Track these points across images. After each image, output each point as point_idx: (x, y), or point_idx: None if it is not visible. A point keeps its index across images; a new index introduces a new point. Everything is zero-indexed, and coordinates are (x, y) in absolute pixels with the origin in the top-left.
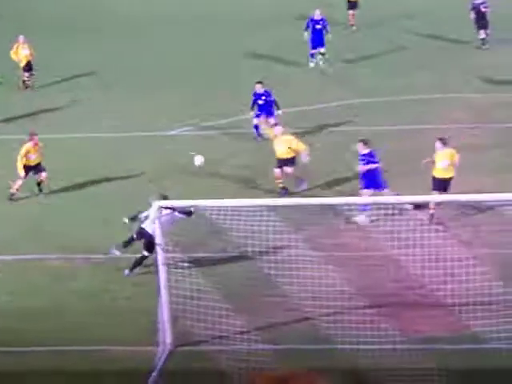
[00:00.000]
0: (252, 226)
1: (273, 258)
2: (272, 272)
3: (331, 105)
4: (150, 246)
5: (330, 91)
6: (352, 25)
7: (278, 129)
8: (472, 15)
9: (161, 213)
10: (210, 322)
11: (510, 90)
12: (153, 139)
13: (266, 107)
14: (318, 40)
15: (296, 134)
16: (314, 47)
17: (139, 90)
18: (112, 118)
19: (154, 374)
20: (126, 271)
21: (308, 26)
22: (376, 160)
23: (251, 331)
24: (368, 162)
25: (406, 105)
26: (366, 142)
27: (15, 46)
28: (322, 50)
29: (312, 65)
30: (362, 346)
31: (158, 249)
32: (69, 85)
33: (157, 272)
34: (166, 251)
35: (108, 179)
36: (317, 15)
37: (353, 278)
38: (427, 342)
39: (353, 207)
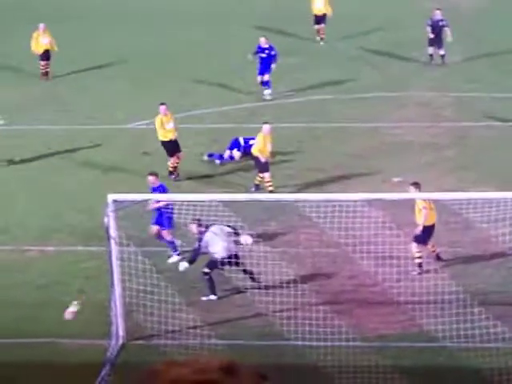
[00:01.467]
0: (207, 220)
1: (226, 252)
2: (225, 267)
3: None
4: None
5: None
6: (322, 38)
7: (266, 127)
8: (429, 31)
9: (111, 206)
10: (163, 317)
11: (461, 89)
12: (109, 131)
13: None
14: (264, 67)
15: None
16: (260, 74)
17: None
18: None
19: (107, 367)
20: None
21: (256, 52)
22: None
23: (204, 326)
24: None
25: (359, 102)
26: (155, 174)
27: (35, 35)
28: (267, 77)
29: (268, 96)
30: (314, 343)
31: (112, 242)
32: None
33: (110, 266)
34: (120, 245)
35: (63, 171)
36: (262, 42)
37: (306, 274)
38: (379, 340)
39: (307, 204)
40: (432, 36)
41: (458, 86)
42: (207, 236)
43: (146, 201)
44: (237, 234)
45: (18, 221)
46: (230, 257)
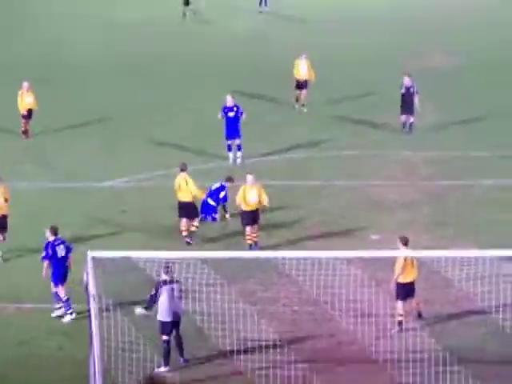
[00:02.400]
0: (186, 278)
1: (205, 310)
2: (204, 325)
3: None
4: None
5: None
6: (303, 105)
7: (249, 177)
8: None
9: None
10: (142, 375)
11: (435, 148)
12: (85, 190)
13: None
14: (232, 130)
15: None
16: (228, 138)
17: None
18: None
19: None
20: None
21: (222, 114)
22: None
23: None
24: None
25: (338, 161)
26: (54, 230)
27: (20, 93)
28: (238, 141)
29: (230, 160)
30: None
31: (91, 299)
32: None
33: (89, 322)
34: (99, 302)
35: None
36: (229, 102)
37: (285, 331)
38: None
39: (287, 261)
40: (402, 104)
41: (434, 145)
42: (166, 289)
43: (126, 258)
44: (180, 297)
45: None
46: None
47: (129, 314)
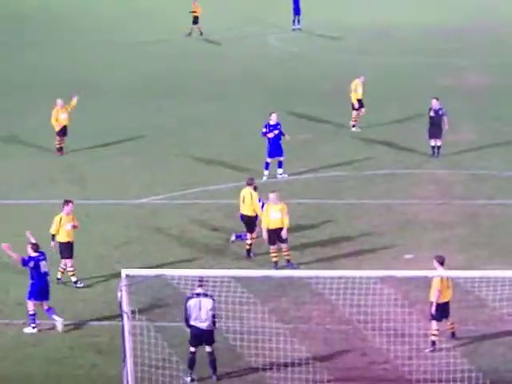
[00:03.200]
0: (219, 296)
1: (238, 329)
2: (237, 343)
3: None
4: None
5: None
6: (354, 125)
7: (272, 196)
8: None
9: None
10: None
11: (470, 167)
12: (120, 207)
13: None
14: (275, 147)
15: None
16: (271, 155)
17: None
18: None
19: None
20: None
21: (264, 133)
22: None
23: None
24: (37, 267)
25: (372, 180)
26: (36, 246)
27: (54, 110)
28: (281, 158)
29: (264, 178)
30: None
31: (124, 317)
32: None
33: (122, 340)
34: (132, 319)
35: (76, 245)
36: (273, 119)
37: (318, 351)
38: None
39: (320, 279)
40: (430, 127)
41: (470, 164)
42: (191, 302)
43: (159, 276)
44: (213, 314)
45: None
46: (200, 333)
47: (162, 331)
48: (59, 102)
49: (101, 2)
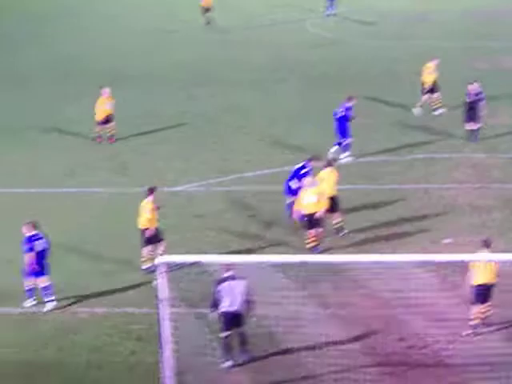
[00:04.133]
0: (257, 282)
1: (278, 315)
2: (276, 329)
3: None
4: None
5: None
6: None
7: (308, 180)
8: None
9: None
10: (214, 378)
11: (508, 151)
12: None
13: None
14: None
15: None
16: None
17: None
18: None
19: None
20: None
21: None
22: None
23: None
24: (32, 247)
25: (412, 165)
26: (34, 225)
27: (100, 99)
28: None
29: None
30: None
31: (162, 304)
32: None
33: (159, 327)
34: (171, 306)
35: (115, 234)
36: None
37: (357, 335)
38: None
39: (357, 265)
40: (466, 111)
41: (507, 148)
42: (223, 286)
43: (197, 263)
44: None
45: (70, 281)
46: (231, 316)
47: (201, 317)
48: (106, 90)
49: None
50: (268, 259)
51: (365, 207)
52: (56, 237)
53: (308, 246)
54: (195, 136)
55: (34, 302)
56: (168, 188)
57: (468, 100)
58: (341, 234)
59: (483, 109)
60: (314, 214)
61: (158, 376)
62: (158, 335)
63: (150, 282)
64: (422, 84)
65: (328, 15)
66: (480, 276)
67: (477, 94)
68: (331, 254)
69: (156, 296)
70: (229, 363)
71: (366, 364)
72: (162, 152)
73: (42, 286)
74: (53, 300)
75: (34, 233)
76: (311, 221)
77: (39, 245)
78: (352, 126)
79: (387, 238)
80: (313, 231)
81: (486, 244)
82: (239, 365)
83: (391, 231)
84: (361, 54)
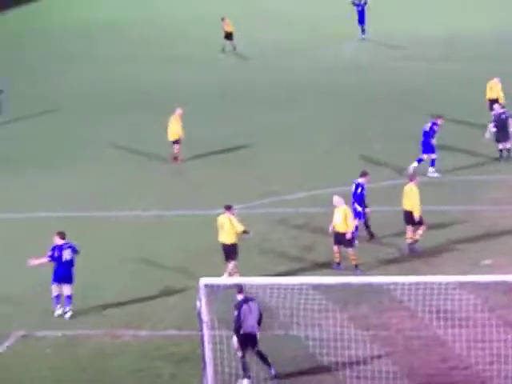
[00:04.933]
0: (298, 303)
1: (317, 335)
2: (316, 350)
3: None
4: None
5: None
6: None
7: (336, 199)
8: (491, 127)
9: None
10: None
11: None
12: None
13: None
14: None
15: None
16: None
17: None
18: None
19: None
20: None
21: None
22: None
23: None
24: (60, 256)
25: (450, 186)
26: (62, 235)
27: (172, 119)
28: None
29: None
30: None
31: (204, 326)
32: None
33: (202, 349)
34: (212, 328)
35: (157, 254)
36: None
37: (398, 357)
38: None
39: (399, 285)
40: (496, 131)
41: None
42: (244, 308)
43: (238, 285)
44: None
45: (113, 303)
46: (250, 336)
47: None
48: (179, 111)
49: (161, 16)
50: (306, 280)
51: (403, 228)
52: (98, 260)
53: (335, 260)
54: (236, 158)
55: (61, 311)
56: (210, 211)
57: (495, 120)
58: (412, 251)
59: (510, 127)
60: (344, 233)
61: None
62: (202, 357)
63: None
64: (491, 101)
65: (361, 39)
66: None
67: (501, 114)
68: (372, 274)
69: (198, 318)
70: (247, 381)
71: None
72: (204, 174)
73: (66, 294)
74: (70, 310)
75: (62, 242)
76: (341, 240)
77: (67, 254)
78: (383, 148)
79: (427, 259)
80: (336, 247)
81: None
82: (275, 377)
83: (431, 252)
84: (395, 77)
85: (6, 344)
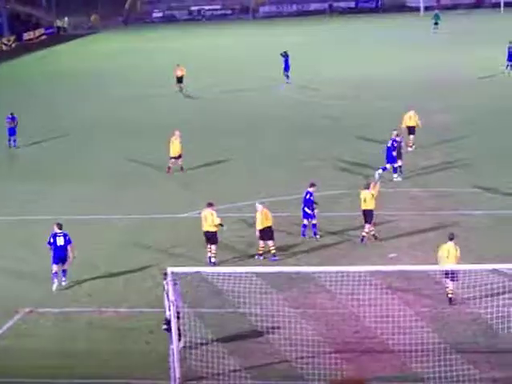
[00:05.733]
0: (244, 287)
1: (259, 312)
2: (258, 324)
3: None
4: None
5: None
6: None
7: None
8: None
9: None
10: (211, 362)
11: (439, 185)
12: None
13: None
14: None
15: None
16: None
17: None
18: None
19: None
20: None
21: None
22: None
23: (242, 370)
24: (54, 241)
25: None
26: (59, 225)
27: (172, 139)
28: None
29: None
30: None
31: (171, 304)
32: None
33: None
34: (177, 306)
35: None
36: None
37: (321, 329)
38: (378, 380)
39: (321, 274)
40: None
41: (438, 183)
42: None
43: (199, 272)
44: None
45: (99, 287)
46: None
47: (200, 315)
48: (177, 132)
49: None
50: (252, 269)
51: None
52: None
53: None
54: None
55: (57, 284)
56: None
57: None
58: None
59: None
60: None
61: (167, 360)
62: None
63: (159, 287)
64: (409, 128)
65: (287, 83)
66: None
67: (396, 140)
68: (301, 264)
69: (166, 298)
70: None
71: (328, 351)
72: (227, 178)
73: (62, 269)
74: (65, 280)
75: (58, 231)
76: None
77: (60, 240)
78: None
79: (344, 252)
80: (270, 242)
81: (450, 237)
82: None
83: (349, 246)
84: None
85: (17, 317)
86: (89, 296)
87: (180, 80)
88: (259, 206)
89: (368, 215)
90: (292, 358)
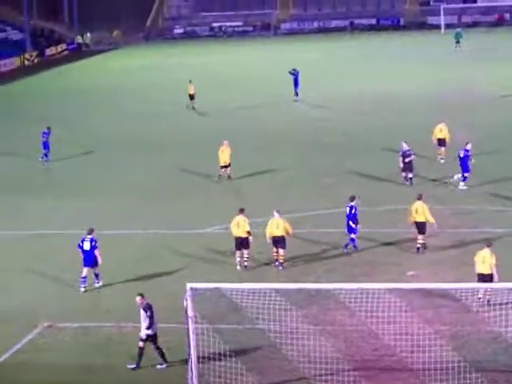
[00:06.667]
0: (263, 304)
1: (277, 329)
2: (277, 340)
3: None
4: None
5: None
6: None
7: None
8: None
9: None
10: (229, 379)
11: (461, 202)
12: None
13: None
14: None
15: None
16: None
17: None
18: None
19: None
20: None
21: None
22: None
23: None
24: (82, 246)
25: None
26: (89, 231)
27: (221, 149)
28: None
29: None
30: None
31: (189, 320)
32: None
33: (188, 338)
34: (195, 322)
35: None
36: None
37: (340, 346)
38: None
39: (341, 291)
40: (404, 164)
41: (456, 199)
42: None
43: (217, 288)
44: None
45: (118, 302)
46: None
47: (218, 331)
48: (225, 142)
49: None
50: (271, 286)
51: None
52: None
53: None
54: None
55: (84, 289)
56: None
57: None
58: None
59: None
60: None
61: (185, 376)
62: (188, 345)
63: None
64: (439, 140)
65: (295, 100)
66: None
67: (407, 151)
68: (321, 281)
69: (185, 313)
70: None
71: (347, 368)
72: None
73: (94, 273)
74: (98, 283)
75: (87, 236)
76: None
77: (86, 245)
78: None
79: (364, 270)
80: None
81: (487, 244)
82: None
83: (368, 264)
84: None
85: (36, 331)
86: (108, 311)
87: (192, 97)
88: (275, 214)
89: (420, 227)
90: (310, 376)
